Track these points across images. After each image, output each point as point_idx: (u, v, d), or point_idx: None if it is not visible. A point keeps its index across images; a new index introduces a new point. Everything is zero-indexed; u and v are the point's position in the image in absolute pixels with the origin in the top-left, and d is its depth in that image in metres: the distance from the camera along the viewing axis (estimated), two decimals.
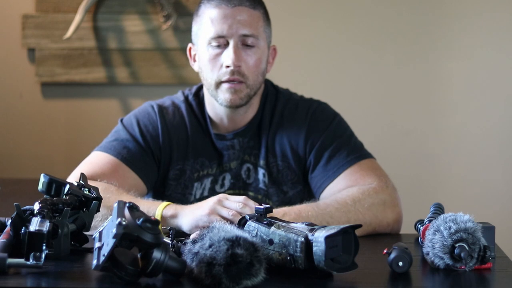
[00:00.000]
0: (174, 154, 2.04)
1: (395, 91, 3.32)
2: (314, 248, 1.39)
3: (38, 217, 1.42)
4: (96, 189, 1.62)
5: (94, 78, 3.32)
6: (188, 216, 1.72)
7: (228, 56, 1.96)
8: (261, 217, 1.49)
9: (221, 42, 1.97)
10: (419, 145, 3.32)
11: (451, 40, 3.28)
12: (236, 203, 1.68)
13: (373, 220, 1.85)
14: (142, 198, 1.90)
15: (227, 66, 1.95)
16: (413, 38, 3.29)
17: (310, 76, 3.32)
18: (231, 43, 1.96)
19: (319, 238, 1.39)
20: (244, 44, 1.97)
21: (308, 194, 2.06)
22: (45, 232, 1.39)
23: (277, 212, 1.76)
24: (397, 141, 3.32)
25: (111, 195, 1.79)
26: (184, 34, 3.26)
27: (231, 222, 1.58)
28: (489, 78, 3.29)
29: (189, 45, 2.08)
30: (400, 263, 1.43)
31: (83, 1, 3.24)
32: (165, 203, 1.79)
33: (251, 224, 1.48)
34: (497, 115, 3.30)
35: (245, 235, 1.36)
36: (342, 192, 1.90)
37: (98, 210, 1.60)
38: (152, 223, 1.32)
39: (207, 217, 1.67)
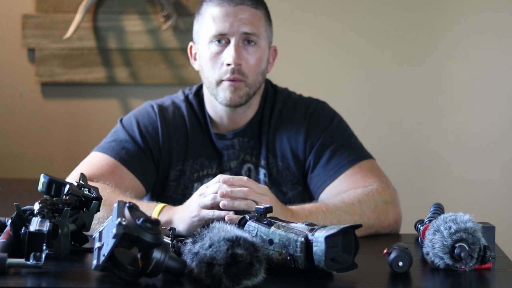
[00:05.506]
0: (174, 154, 2.04)
1: (395, 91, 3.32)
2: (314, 248, 1.39)
3: (38, 217, 1.42)
4: (96, 189, 1.62)
5: (94, 78, 3.32)
6: (182, 222, 1.73)
7: (229, 54, 1.96)
8: (261, 217, 1.49)
9: (223, 40, 1.97)
10: (419, 145, 3.33)
11: (451, 40, 3.28)
12: (213, 186, 1.69)
13: (377, 221, 1.86)
14: (137, 200, 1.89)
15: (228, 64, 1.95)
16: (413, 38, 3.29)
17: (310, 76, 3.32)
18: (232, 41, 1.96)
19: (319, 238, 1.39)
20: (245, 42, 1.97)
21: (308, 195, 2.05)
22: (45, 232, 1.39)
23: (293, 210, 1.77)
24: (397, 141, 3.32)
25: (107, 197, 1.79)
26: (184, 34, 3.26)
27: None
28: (489, 78, 3.29)
29: (190, 43, 2.08)
30: (400, 263, 1.43)
31: (83, 1, 3.24)
32: (159, 206, 1.79)
33: (251, 224, 1.48)
34: (497, 115, 3.30)
35: (245, 235, 1.36)
36: (348, 194, 1.90)
37: (98, 210, 1.60)
38: (152, 223, 1.32)
39: (198, 218, 1.68)
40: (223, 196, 1.66)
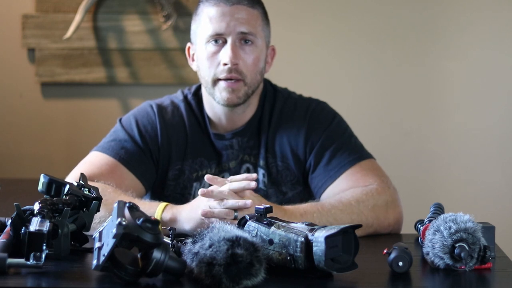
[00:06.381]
0: (173, 154, 2.04)
1: (395, 91, 3.32)
2: (314, 248, 1.39)
3: (38, 217, 1.42)
4: (96, 189, 1.62)
5: (94, 78, 3.32)
6: (190, 221, 1.74)
7: (225, 53, 1.95)
8: (261, 217, 1.49)
9: (219, 40, 1.97)
10: (419, 145, 3.32)
11: (451, 40, 3.28)
12: (221, 195, 1.71)
13: (375, 221, 1.86)
14: (139, 199, 1.90)
15: (225, 64, 1.95)
16: (412, 38, 3.29)
17: (310, 76, 3.32)
18: (229, 40, 1.96)
19: (319, 238, 1.39)
20: (242, 42, 1.97)
21: (308, 195, 2.05)
22: (45, 232, 1.39)
23: (286, 210, 1.78)
24: (397, 141, 3.32)
25: (109, 196, 1.79)
26: (184, 34, 3.26)
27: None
28: (489, 78, 3.29)
29: (188, 44, 2.08)
30: (400, 263, 1.43)
31: (83, 1, 3.24)
32: (162, 205, 1.79)
33: (251, 224, 1.48)
34: (497, 115, 3.30)
35: (245, 235, 1.36)
36: (346, 193, 1.90)
37: (98, 210, 1.60)
38: (152, 223, 1.32)
39: (208, 220, 1.70)
40: (203, 195, 1.71)
